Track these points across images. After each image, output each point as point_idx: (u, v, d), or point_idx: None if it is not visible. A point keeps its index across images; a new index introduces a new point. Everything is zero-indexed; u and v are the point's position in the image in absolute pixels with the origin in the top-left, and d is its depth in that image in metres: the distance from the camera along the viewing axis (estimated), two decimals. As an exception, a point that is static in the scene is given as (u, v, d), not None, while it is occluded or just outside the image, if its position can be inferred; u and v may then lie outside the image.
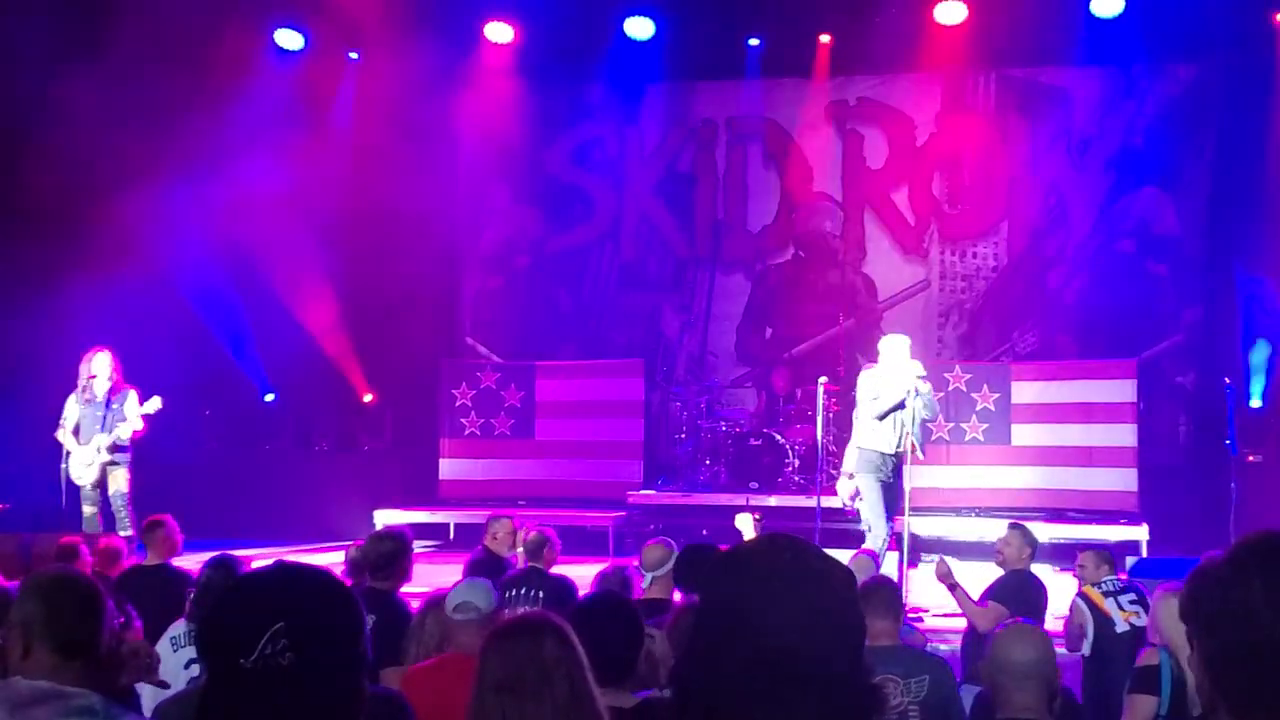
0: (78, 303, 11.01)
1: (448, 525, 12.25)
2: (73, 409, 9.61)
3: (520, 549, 7.26)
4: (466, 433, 13.06)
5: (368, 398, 13.60)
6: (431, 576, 9.21)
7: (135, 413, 9.49)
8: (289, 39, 12.91)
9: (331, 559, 9.95)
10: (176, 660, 4.42)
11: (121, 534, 9.17)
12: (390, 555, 5.61)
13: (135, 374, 9.83)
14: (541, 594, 5.67)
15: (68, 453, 9.54)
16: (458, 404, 13.08)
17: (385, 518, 10.99)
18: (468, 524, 11.43)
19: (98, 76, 10.79)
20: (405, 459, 13.34)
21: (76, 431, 9.58)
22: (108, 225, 11.28)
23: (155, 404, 9.53)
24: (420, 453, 13.24)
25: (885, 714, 4.06)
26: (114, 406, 9.50)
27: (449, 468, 13.01)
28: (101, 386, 9.54)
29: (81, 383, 9.59)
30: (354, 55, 13.40)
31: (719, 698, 1.45)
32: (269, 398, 13.32)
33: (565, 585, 6.45)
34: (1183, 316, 12.83)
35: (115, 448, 9.48)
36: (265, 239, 12.38)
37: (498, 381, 13.13)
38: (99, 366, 9.56)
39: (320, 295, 13.00)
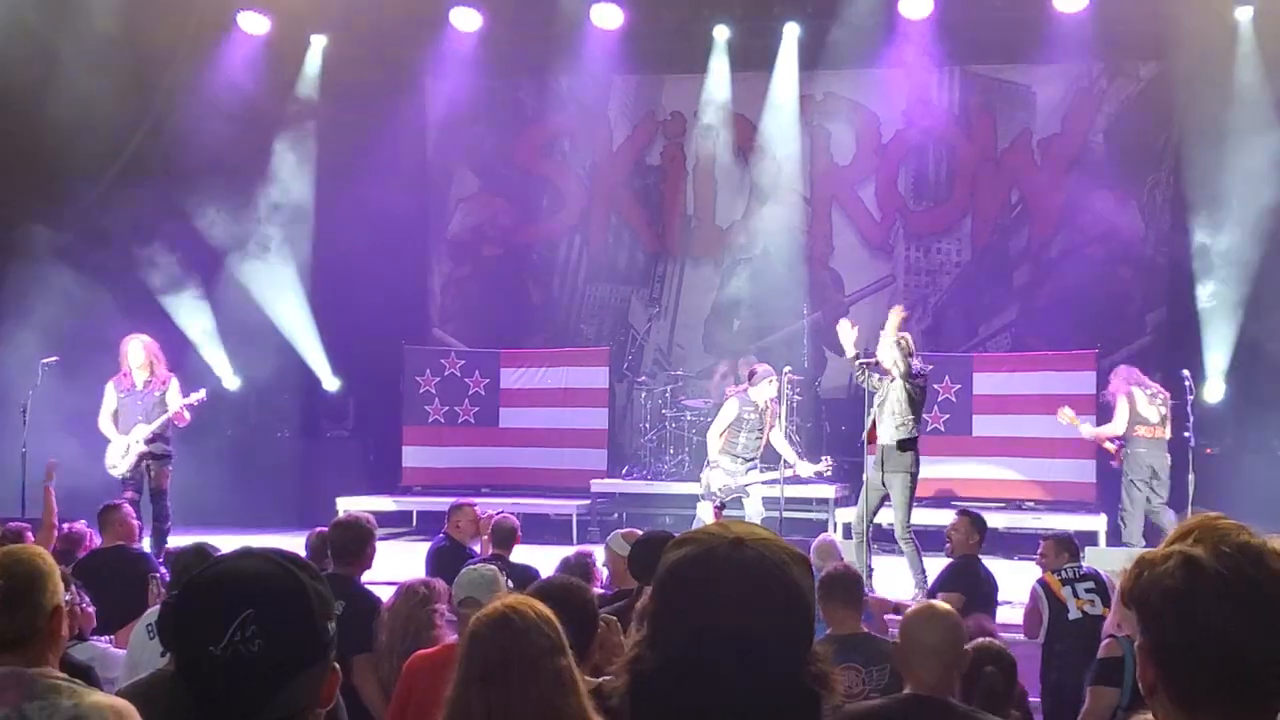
0: (40, 288, 10.88)
1: (410, 513, 12.21)
2: (111, 397, 9.34)
3: (484, 537, 7.26)
4: (430, 420, 13.02)
5: (331, 384, 13.52)
6: (394, 564, 9.20)
7: (177, 402, 9.27)
8: (252, 22, 12.77)
9: (293, 545, 9.93)
10: (153, 648, 4.38)
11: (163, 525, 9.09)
12: (353, 541, 5.59)
13: (101, 361, 9.67)
14: (510, 583, 5.66)
15: (108, 442, 9.32)
16: (421, 391, 13.03)
17: (348, 505, 10.93)
18: (430, 511, 11.40)
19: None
20: (368, 446, 13.28)
21: (115, 420, 9.33)
22: (70, 211, 11.16)
23: (199, 396, 9.36)
24: (383, 440, 13.18)
25: (833, 701, 4.10)
26: (156, 396, 9.25)
27: (412, 455, 12.94)
28: (140, 376, 9.28)
29: (122, 371, 9.34)
30: (319, 39, 13.27)
31: (666, 678, 1.46)
32: (232, 383, 13.20)
33: (529, 574, 6.45)
34: (1148, 319, 13.00)
35: (155, 438, 9.24)
36: (228, 224, 12.27)
37: (462, 369, 13.10)
38: (134, 355, 9.29)
39: (283, 281, 12.91)
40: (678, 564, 1.51)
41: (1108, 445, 10.12)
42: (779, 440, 9.74)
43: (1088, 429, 10.09)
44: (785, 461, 9.60)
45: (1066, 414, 10.07)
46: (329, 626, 1.69)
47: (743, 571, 1.47)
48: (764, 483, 9.65)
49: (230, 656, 1.59)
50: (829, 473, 9.96)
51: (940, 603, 3.94)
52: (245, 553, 1.73)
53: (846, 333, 8.93)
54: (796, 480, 11.07)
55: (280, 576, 1.66)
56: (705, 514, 9.49)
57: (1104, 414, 10.56)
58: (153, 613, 4.67)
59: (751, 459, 9.66)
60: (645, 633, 1.52)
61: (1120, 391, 9.97)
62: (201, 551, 4.72)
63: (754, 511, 9.57)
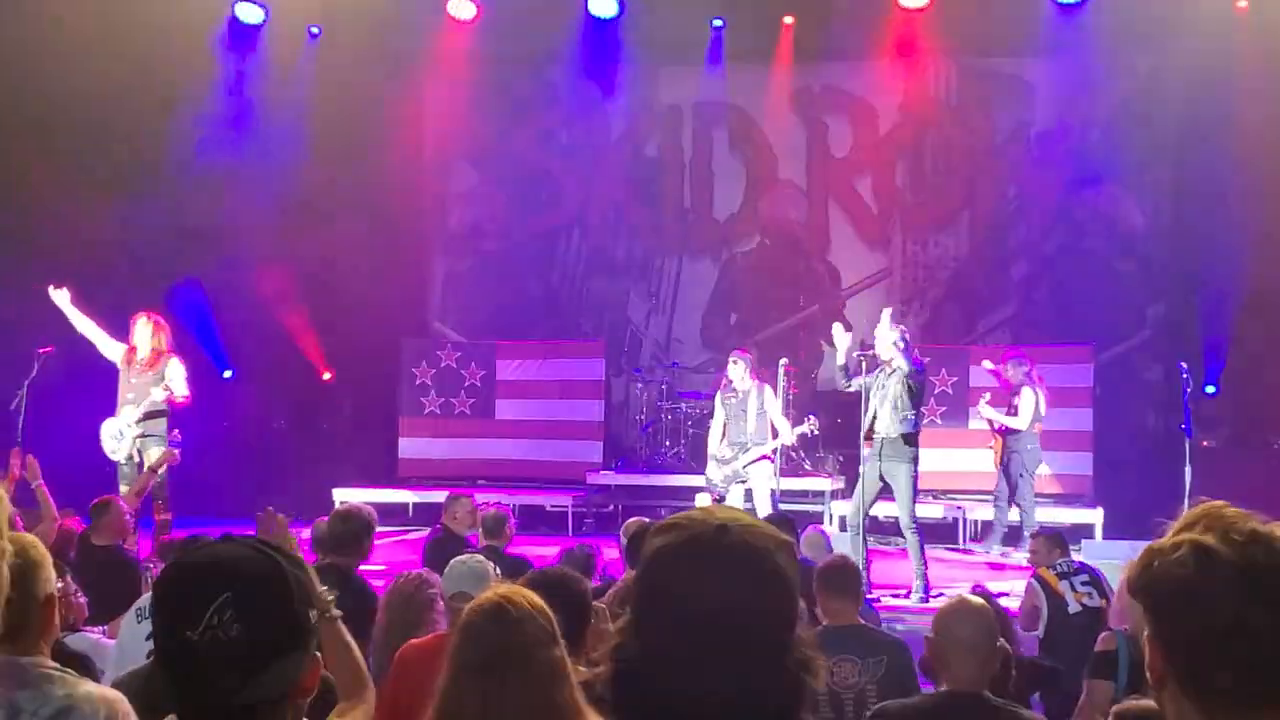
0: (29, 279, 10.83)
1: (407, 505, 12.19)
2: (122, 366, 9.05)
3: (480, 529, 7.25)
4: (426, 411, 13.00)
5: (326, 376, 13.50)
6: (390, 555, 9.20)
7: (179, 381, 8.91)
8: (249, 12, 12.74)
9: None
10: (141, 631, 4.37)
11: (159, 517, 8.92)
12: (353, 533, 5.60)
13: (92, 353, 9.58)
14: (499, 573, 5.66)
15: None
16: (418, 382, 13.01)
17: (344, 496, 10.89)
18: (427, 503, 11.38)
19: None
20: (364, 437, 13.25)
21: (117, 397, 9.04)
22: (63, 204, 11.13)
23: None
24: (380, 431, 13.15)
25: (817, 687, 4.09)
26: (151, 376, 8.92)
27: (408, 446, 12.93)
28: (143, 354, 8.98)
29: (129, 346, 9.02)
30: (315, 29, 13.23)
31: (651, 665, 1.45)
32: (227, 374, 13.18)
33: (523, 565, 6.44)
34: (1148, 312, 13.01)
35: (148, 416, 8.92)
36: (225, 215, 12.24)
37: (458, 360, 13.08)
38: (139, 335, 8.99)
39: (281, 272, 12.88)
40: (661, 550, 1.50)
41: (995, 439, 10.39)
42: (776, 417, 9.75)
43: (988, 410, 10.25)
44: (775, 431, 9.64)
45: (983, 401, 10.28)
46: (309, 615, 1.69)
47: (727, 558, 1.46)
48: (754, 462, 9.61)
49: (208, 641, 1.59)
50: (815, 432, 9.90)
51: (974, 597, 3.91)
52: (226, 539, 1.74)
53: (841, 336, 8.94)
54: (795, 474, 11.11)
55: (259, 562, 1.67)
56: (704, 505, 9.48)
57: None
58: (145, 598, 4.66)
59: (742, 441, 9.68)
60: (629, 620, 1.51)
61: (1029, 385, 10.12)
62: (193, 543, 4.71)
63: (761, 501, 9.58)
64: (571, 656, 3.05)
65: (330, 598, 3.30)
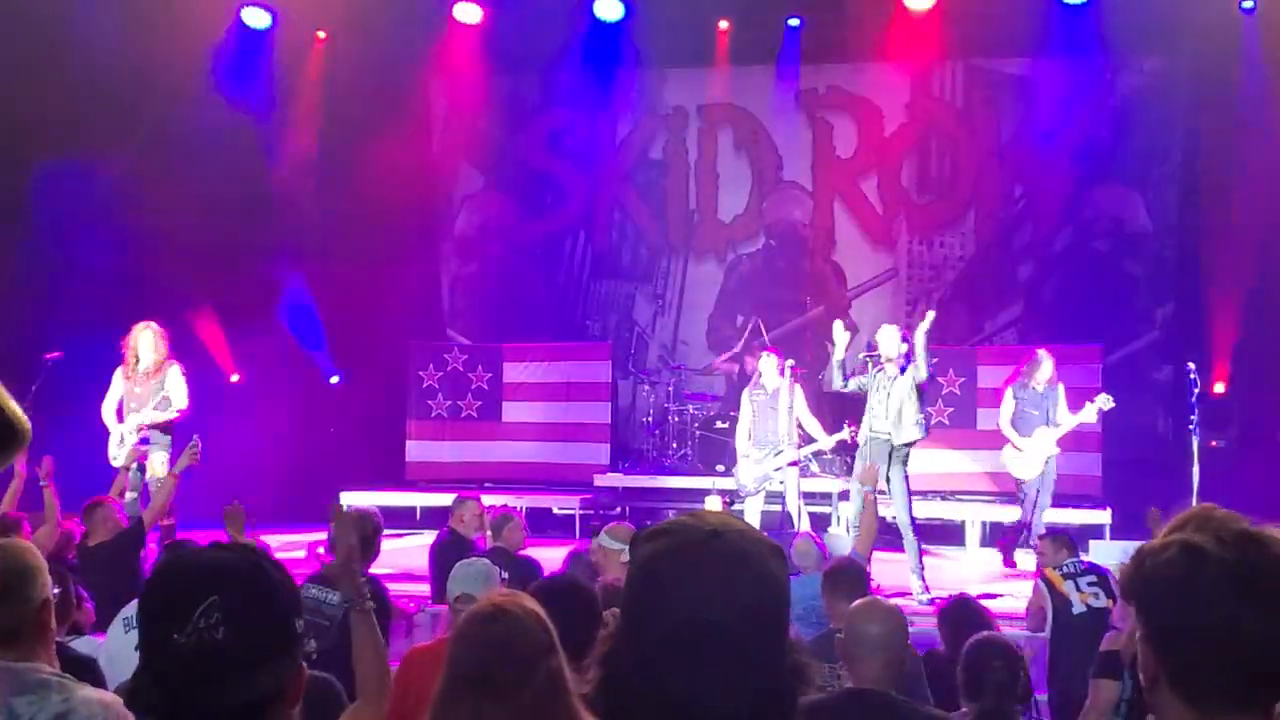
0: (36, 277, 10.89)
1: (414, 508, 12.20)
2: (118, 385, 9.14)
3: (488, 531, 7.27)
4: (433, 414, 13.03)
5: (334, 379, 13.51)
6: (397, 558, 9.22)
7: (180, 391, 8.99)
8: (256, 17, 12.77)
9: (295, 540, 9.92)
10: (128, 640, 4.37)
11: (163, 522, 8.91)
12: (368, 537, 5.64)
13: (101, 355, 9.60)
14: (506, 575, 5.66)
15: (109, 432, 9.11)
16: (425, 385, 13.04)
17: (351, 499, 10.92)
18: (434, 506, 11.39)
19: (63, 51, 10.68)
20: (372, 441, 13.26)
21: (120, 409, 9.14)
22: (67, 202, 11.15)
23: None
24: (387, 434, 13.17)
25: (807, 691, 4.07)
26: (153, 385, 9.00)
27: (416, 449, 12.96)
28: (146, 364, 9.04)
29: (128, 358, 9.10)
30: (322, 34, 13.26)
31: (641, 671, 1.44)
32: (234, 378, 13.20)
33: (530, 567, 6.46)
34: (1157, 313, 12.98)
35: (151, 427, 8.99)
36: (231, 218, 12.26)
37: (465, 363, 13.11)
38: (142, 344, 9.05)
39: (287, 275, 12.90)
40: (653, 556, 1.49)
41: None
42: (805, 417, 9.72)
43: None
44: (807, 435, 9.63)
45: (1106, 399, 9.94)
46: (296, 623, 1.70)
47: (719, 563, 1.45)
48: (791, 464, 9.59)
49: (194, 644, 1.60)
50: (854, 439, 9.57)
51: (883, 600, 3.93)
52: (213, 543, 1.75)
53: (841, 335, 8.94)
54: (802, 475, 11.08)
55: (246, 568, 1.68)
56: (714, 507, 9.46)
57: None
58: (129, 607, 4.66)
59: (774, 442, 9.63)
60: (619, 625, 1.50)
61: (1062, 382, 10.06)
62: (182, 547, 4.72)
63: (791, 505, 9.56)
64: (579, 665, 3.04)
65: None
